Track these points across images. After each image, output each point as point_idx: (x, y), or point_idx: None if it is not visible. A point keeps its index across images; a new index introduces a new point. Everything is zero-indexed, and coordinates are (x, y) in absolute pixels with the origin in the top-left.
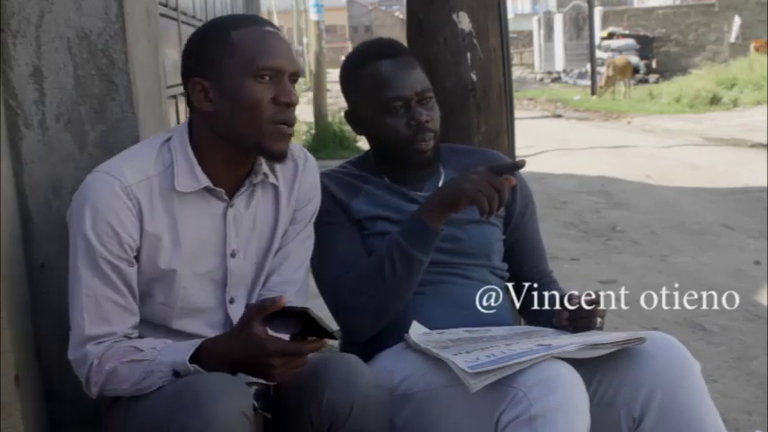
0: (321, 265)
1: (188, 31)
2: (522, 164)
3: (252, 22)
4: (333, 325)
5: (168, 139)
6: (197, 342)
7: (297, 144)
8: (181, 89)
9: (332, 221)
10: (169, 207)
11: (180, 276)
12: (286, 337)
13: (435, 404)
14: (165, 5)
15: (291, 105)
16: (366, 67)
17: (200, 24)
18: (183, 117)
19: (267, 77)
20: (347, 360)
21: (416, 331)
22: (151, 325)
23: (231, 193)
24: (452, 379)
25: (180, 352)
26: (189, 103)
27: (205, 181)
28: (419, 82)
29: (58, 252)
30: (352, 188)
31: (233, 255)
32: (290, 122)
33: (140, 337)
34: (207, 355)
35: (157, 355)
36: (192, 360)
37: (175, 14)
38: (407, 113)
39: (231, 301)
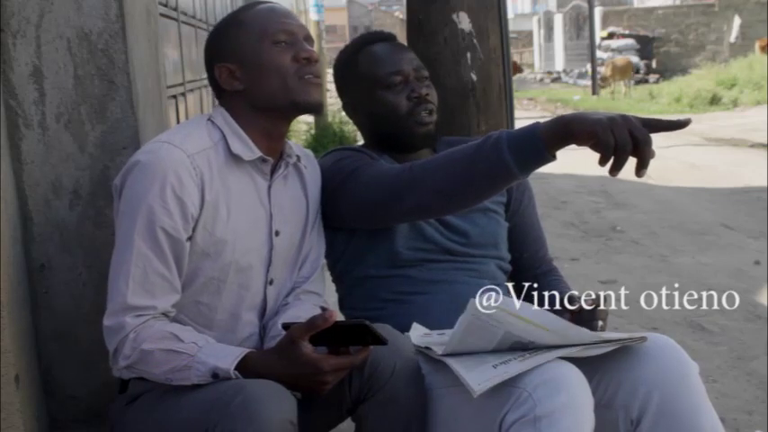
0: (368, 179)
1: (188, 31)
2: (686, 122)
3: (258, 3)
4: None
5: (209, 119)
6: (242, 351)
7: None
8: (181, 89)
9: (363, 160)
10: (224, 179)
11: (232, 249)
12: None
13: (438, 404)
14: (165, 5)
15: (312, 60)
16: (362, 52)
17: (200, 24)
18: (183, 117)
19: (283, 43)
20: (387, 327)
21: (417, 332)
22: (194, 304)
23: (270, 174)
24: (454, 379)
25: (223, 357)
26: (217, 92)
27: (257, 151)
28: (415, 60)
29: (58, 252)
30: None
31: (277, 234)
32: (316, 74)
33: (179, 319)
34: (252, 368)
35: (198, 351)
36: (235, 367)
37: (175, 14)
38: (407, 88)
39: (270, 282)
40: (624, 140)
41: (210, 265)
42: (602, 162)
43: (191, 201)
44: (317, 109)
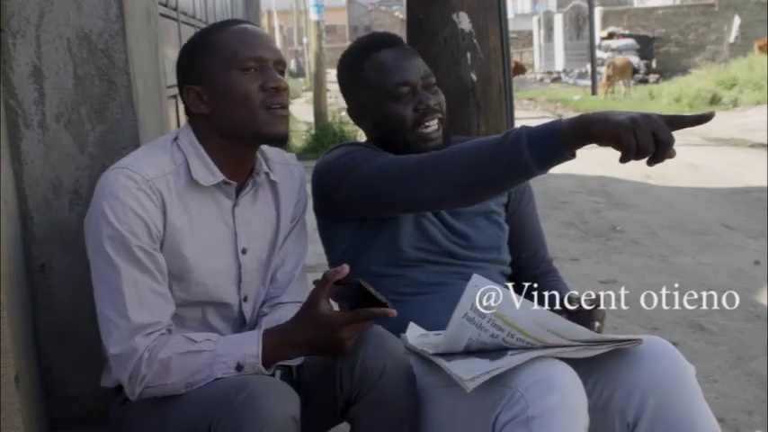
0: (382, 167)
1: (188, 31)
2: (710, 116)
3: (230, 23)
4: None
5: (175, 139)
6: (258, 333)
7: (290, 153)
8: None
9: (372, 153)
10: (185, 203)
11: (198, 273)
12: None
13: (432, 405)
14: (165, 5)
15: (280, 90)
16: (368, 58)
17: (200, 24)
18: (183, 117)
19: (252, 69)
20: (378, 328)
21: (413, 333)
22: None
23: (237, 193)
24: (448, 380)
25: (246, 344)
26: (187, 111)
27: (220, 175)
28: (422, 67)
29: (58, 252)
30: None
31: (244, 252)
32: (283, 105)
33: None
34: (272, 345)
35: (215, 346)
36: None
37: (175, 14)
38: (414, 99)
39: (245, 299)
40: (646, 143)
41: (178, 285)
42: (623, 161)
43: (152, 221)
44: (281, 140)
